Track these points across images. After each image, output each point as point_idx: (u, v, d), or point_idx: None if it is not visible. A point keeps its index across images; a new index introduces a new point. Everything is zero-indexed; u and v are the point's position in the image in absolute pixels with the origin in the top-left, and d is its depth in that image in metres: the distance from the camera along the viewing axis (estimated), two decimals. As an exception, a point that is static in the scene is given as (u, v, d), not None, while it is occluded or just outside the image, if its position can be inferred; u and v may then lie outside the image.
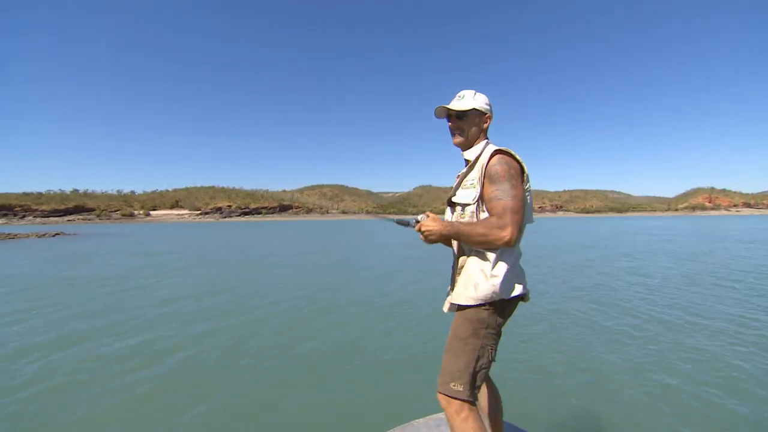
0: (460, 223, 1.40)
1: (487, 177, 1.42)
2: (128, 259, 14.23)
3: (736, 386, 3.18)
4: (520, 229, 1.37)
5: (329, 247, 18.51)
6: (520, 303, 1.51)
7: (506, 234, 1.31)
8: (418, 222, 1.47)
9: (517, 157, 1.44)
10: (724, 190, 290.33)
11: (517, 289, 1.43)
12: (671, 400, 2.97)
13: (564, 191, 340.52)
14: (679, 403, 2.94)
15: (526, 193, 1.45)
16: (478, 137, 1.56)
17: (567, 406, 2.90)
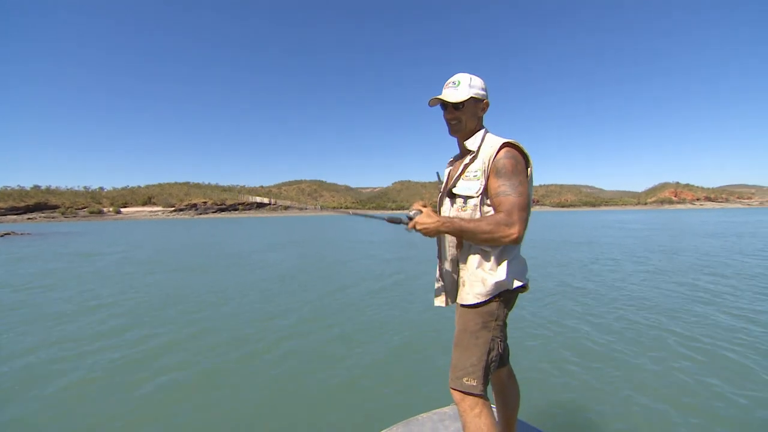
0: (462, 219, 1.34)
1: (493, 170, 1.37)
2: (55, 261, 12.58)
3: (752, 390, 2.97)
4: (525, 226, 1.35)
5: (301, 242, 17.76)
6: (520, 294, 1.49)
7: (514, 231, 1.29)
8: (411, 219, 1.39)
9: (525, 150, 1.40)
10: (688, 185, 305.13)
11: (521, 280, 1.43)
12: (688, 401, 2.78)
13: (540, 186, 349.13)
14: (697, 403, 2.74)
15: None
16: (476, 126, 1.49)
17: (577, 404, 2.82)
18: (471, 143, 1.46)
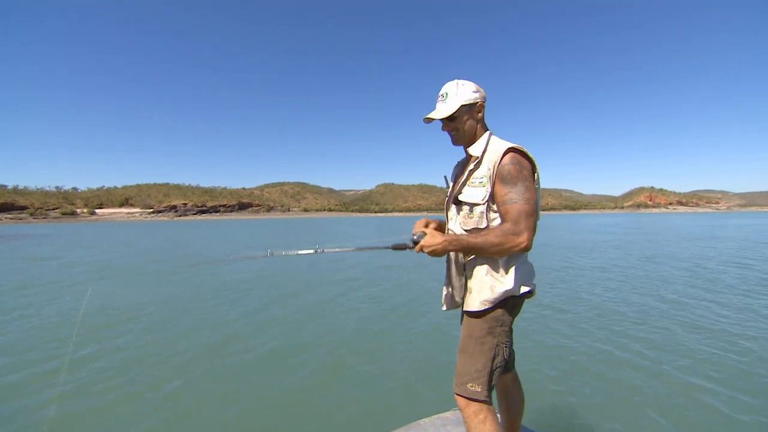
0: (469, 235, 1.35)
1: (498, 177, 1.35)
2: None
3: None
4: (534, 233, 1.35)
5: (301, 244, 16.97)
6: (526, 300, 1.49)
7: (523, 240, 1.28)
8: (416, 243, 1.38)
9: (530, 155, 1.39)
10: (662, 190, 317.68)
11: (528, 286, 1.42)
12: (694, 404, 2.78)
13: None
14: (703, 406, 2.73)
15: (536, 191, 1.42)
16: (477, 129, 1.48)
17: (579, 409, 2.82)
18: (474, 149, 1.46)
